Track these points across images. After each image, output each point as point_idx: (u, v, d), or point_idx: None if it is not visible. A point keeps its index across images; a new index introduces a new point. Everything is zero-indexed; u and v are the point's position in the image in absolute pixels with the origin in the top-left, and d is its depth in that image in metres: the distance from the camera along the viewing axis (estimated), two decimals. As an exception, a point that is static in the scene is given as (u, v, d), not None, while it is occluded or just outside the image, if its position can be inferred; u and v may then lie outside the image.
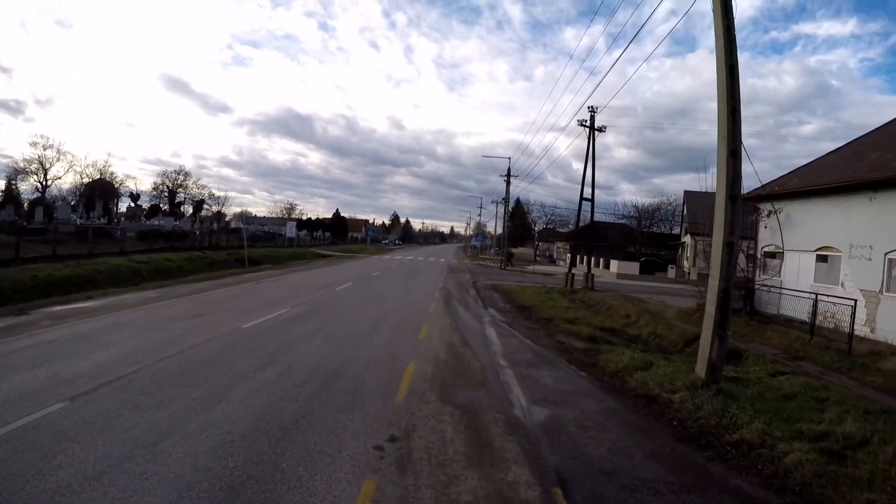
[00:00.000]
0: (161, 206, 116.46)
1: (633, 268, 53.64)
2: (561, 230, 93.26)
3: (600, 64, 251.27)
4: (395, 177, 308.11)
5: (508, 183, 51.30)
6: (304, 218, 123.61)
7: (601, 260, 62.07)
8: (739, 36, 9.82)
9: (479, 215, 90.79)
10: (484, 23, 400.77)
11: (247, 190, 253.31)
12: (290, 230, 60.95)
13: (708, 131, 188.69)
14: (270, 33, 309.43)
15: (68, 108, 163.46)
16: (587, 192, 36.33)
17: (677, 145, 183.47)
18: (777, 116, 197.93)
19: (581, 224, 40.47)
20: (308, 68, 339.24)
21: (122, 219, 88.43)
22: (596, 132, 36.30)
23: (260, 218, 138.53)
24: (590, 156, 36.07)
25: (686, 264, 59.86)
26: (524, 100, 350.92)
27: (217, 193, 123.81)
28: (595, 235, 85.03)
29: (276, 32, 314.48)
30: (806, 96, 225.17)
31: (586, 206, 36.85)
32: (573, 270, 38.37)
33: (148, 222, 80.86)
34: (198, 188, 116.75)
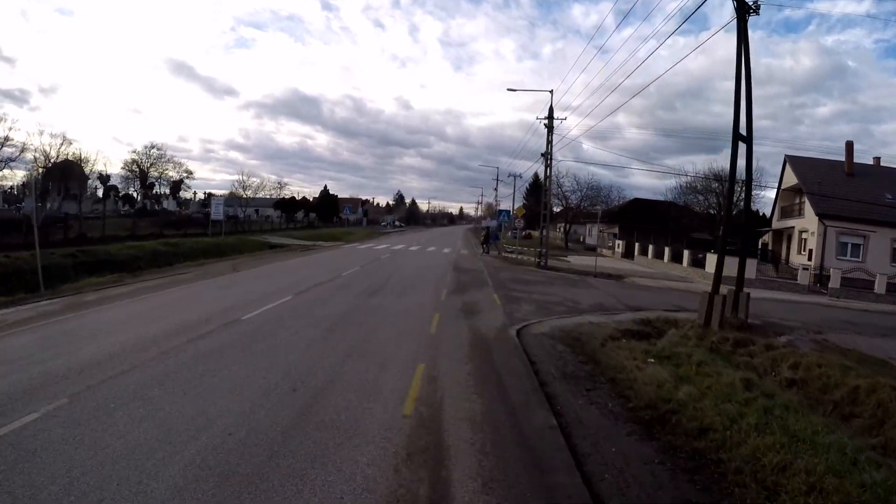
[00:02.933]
0: (131, 190, 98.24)
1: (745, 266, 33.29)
2: (592, 210, 73.10)
3: (610, 42, 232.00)
4: (403, 158, 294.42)
5: (550, 128, 31.12)
6: (288, 197, 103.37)
7: (660, 249, 42.32)
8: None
9: (496, 188, 70.80)
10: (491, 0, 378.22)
11: (254, 173, 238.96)
12: (216, 210, 40.79)
13: (722, 112, 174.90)
14: (274, 14, 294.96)
15: (73, 95, 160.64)
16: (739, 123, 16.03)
17: (689, 126, 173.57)
18: (792, 98, 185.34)
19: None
20: (313, 49, 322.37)
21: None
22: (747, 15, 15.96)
23: (243, 199, 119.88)
24: (743, 57, 15.91)
25: (804, 259, 39.93)
26: (533, 78, 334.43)
27: (193, 170, 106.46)
28: (639, 216, 65.16)
29: (280, 13, 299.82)
30: (822, 77, 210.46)
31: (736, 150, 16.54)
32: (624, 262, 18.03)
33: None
34: (174, 167, 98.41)
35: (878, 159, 45.83)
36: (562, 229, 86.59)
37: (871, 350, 16.20)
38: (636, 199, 71.03)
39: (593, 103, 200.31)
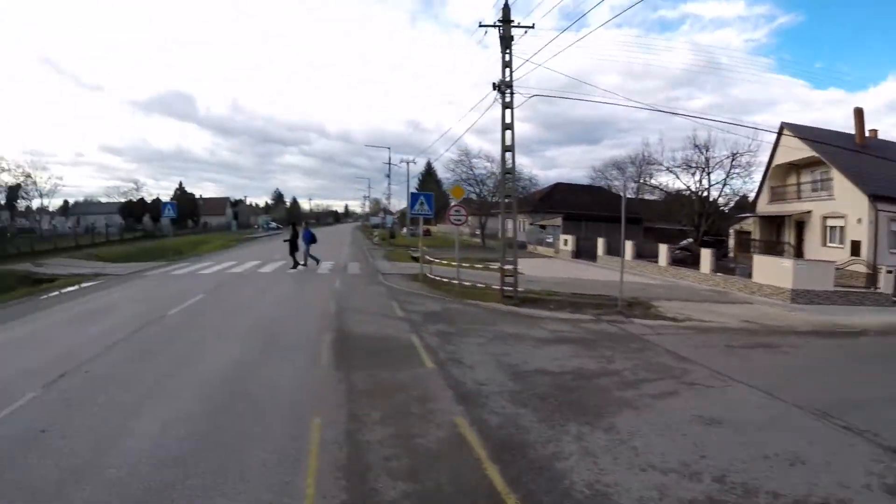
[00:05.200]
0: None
1: None
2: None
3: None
4: (284, 156, 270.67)
5: (508, 39, 15.57)
6: (136, 200, 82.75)
7: (648, 247, 28.94)
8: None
9: (388, 174, 55.05)
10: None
11: (131, 177, 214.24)
12: None
13: (600, 105, 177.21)
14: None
15: None
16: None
17: (569, 118, 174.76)
18: (668, 91, 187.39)
19: None
20: (184, 42, 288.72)
21: None
22: None
23: (93, 204, 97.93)
24: None
25: (840, 253, 27.66)
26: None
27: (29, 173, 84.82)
28: (569, 204, 50.67)
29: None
30: (696, 72, 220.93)
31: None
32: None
33: None
34: (9, 171, 76.95)
35: (874, 132, 34.30)
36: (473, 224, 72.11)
37: None
38: (558, 184, 57.39)
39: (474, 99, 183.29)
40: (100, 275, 22.35)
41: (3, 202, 77.57)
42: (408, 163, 53.31)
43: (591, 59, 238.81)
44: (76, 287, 19.44)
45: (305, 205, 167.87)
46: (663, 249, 26.83)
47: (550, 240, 40.30)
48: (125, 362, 8.91)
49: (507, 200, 17.61)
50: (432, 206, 21.01)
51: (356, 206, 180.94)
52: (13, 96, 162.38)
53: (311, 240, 25.52)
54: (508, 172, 17.29)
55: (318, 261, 25.59)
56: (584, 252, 35.48)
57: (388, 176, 56.32)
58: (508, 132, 17.10)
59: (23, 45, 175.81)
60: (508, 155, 17.16)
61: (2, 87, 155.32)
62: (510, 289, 15.88)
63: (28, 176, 77.47)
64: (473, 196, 51.57)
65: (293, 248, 24.77)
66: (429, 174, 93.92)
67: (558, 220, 41.33)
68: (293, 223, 29.29)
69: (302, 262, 24.75)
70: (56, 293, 18.33)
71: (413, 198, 21.41)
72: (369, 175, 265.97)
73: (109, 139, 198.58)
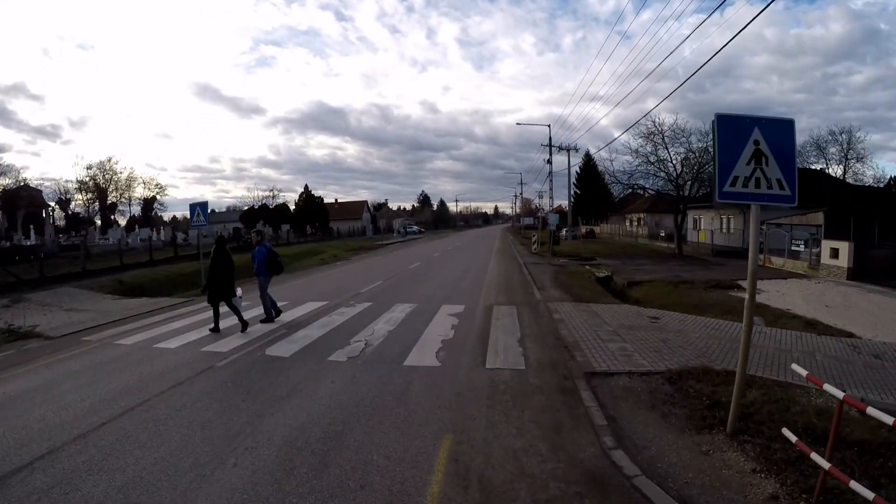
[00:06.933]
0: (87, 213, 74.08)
1: None
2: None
3: (631, 28, 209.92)
4: (434, 162, 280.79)
5: None
6: (258, 206, 76.88)
7: None
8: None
9: (549, 160, 41.70)
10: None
11: (289, 188, 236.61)
12: None
13: (753, 88, 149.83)
14: (291, 30, 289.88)
15: (103, 126, 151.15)
16: None
17: (721, 105, 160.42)
18: (824, 68, 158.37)
19: None
20: (333, 61, 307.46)
21: None
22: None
23: (223, 213, 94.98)
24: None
25: None
26: (557, 71, 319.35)
27: (162, 185, 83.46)
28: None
29: (297, 28, 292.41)
30: (854, 43, 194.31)
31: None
32: None
33: None
34: (144, 185, 78.32)
35: None
36: (637, 222, 58.32)
37: None
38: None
39: (622, 92, 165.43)
40: (31, 335, 11.87)
41: (139, 214, 76.62)
42: (569, 149, 40.44)
43: (740, 41, 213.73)
44: None
45: (453, 207, 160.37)
46: None
47: (801, 247, 25.50)
48: None
49: None
50: (794, 180, 6.00)
51: (506, 208, 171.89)
52: (182, 121, 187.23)
53: (265, 267, 12.14)
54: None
55: (270, 318, 12.01)
56: (870, 267, 21.10)
57: (549, 162, 42.82)
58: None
59: (183, 76, 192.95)
60: None
61: (174, 115, 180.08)
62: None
63: (161, 188, 76.70)
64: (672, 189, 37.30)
65: (219, 291, 11.21)
66: (588, 165, 79.51)
67: (818, 217, 26.12)
68: (220, 237, 12.22)
69: (265, 317, 12.09)
70: None
71: (728, 137, 5.37)
72: (518, 176, 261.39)
73: (268, 154, 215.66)
